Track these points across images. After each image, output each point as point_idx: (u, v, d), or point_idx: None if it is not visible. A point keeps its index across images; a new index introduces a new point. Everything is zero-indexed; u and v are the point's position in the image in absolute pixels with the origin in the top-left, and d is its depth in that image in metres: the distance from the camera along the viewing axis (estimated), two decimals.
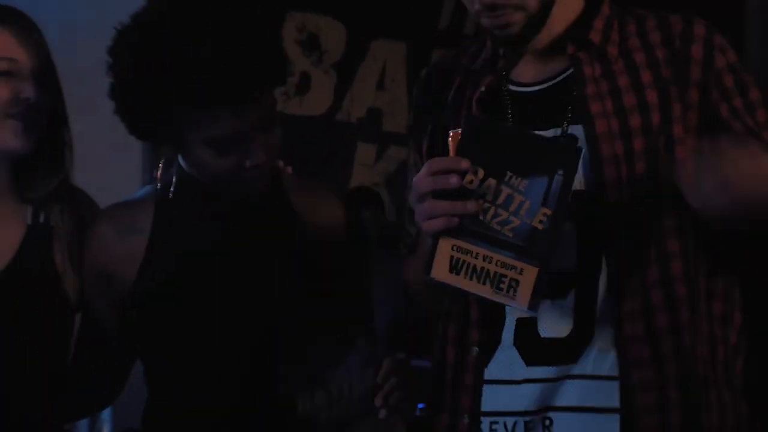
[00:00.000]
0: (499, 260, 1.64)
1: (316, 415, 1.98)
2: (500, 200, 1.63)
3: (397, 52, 4.02)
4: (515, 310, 1.72)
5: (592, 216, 1.70)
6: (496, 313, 1.77)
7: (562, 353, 1.73)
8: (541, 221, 1.61)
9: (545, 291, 1.65)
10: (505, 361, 1.77)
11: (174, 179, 2.08)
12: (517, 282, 1.63)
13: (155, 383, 2.16)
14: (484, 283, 1.65)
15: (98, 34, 3.81)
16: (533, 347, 1.74)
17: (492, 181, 1.63)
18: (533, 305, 1.64)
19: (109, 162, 3.82)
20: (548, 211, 1.61)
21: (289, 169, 2.21)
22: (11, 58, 2.00)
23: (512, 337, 1.76)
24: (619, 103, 1.75)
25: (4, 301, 2.02)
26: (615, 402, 1.70)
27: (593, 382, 1.71)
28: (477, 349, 1.79)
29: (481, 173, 1.63)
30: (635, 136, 1.73)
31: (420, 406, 2.11)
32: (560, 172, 1.61)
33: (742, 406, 1.77)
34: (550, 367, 1.73)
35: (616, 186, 1.71)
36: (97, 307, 2.14)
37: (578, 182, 1.70)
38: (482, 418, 1.78)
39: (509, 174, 1.63)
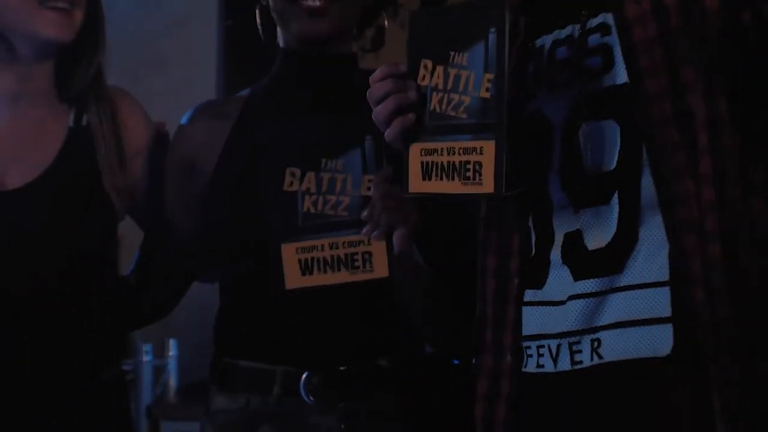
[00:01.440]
0: (460, 148, 1.56)
1: (300, 201, 1.87)
2: (450, 84, 1.56)
3: None
4: (563, 225, 1.61)
5: (636, 109, 1.54)
6: (545, 234, 1.64)
7: (607, 262, 1.57)
8: (487, 89, 1.53)
9: (569, 184, 1.56)
10: (557, 281, 1.63)
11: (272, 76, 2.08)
12: (480, 164, 1.54)
13: (231, 284, 2.07)
14: (453, 179, 1.56)
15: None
16: (581, 261, 1.60)
17: (440, 68, 1.57)
18: (498, 186, 1.53)
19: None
20: (490, 76, 1.52)
21: None
22: None
23: (560, 254, 1.62)
24: None
25: (46, 203, 1.97)
26: (666, 311, 1.52)
27: (641, 292, 1.55)
28: (517, 279, 1.68)
29: (429, 64, 1.58)
30: (673, 12, 1.53)
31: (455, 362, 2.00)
32: (492, 30, 1.52)
33: None
34: (596, 280, 1.57)
35: (654, 74, 1.53)
36: (173, 206, 2.08)
37: (618, 74, 1.57)
38: (530, 342, 1.65)
39: (452, 53, 1.56)
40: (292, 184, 1.87)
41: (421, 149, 1.59)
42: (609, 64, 1.57)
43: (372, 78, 1.65)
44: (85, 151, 2.01)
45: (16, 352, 1.96)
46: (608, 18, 1.58)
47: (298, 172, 1.88)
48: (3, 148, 1.99)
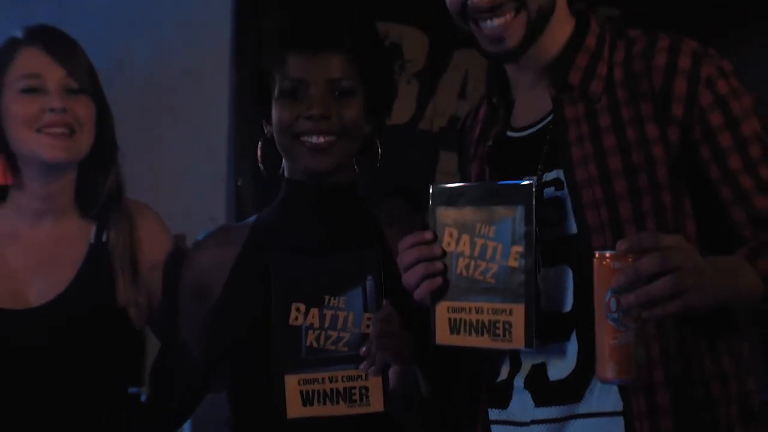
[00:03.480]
0: (489, 308, 1.71)
1: (304, 335, 1.98)
2: (477, 252, 1.71)
3: (478, 61, 4.01)
4: (529, 356, 1.77)
5: (583, 259, 1.69)
6: (515, 363, 1.81)
7: (568, 393, 1.74)
8: (515, 259, 1.69)
9: (537, 326, 1.70)
10: (519, 404, 1.79)
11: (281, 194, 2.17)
12: (510, 324, 1.70)
13: (237, 402, 2.14)
14: (482, 335, 1.73)
15: (182, 49, 3.93)
16: (542, 389, 1.77)
17: (466, 237, 1.72)
18: (529, 342, 1.69)
19: (194, 167, 3.91)
20: (519, 248, 1.68)
21: None
22: (35, 74, 2.06)
23: (523, 381, 1.79)
24: (599, 145, 1.73)
25: (64, 322, 2.05)
26: None
27: (599, 420, 1.71)
28: (483, 404, 1.85)
29: (455, 233, 1.73)
30: (615, 178, 1.71)
31: None
32: (519, 209, 1.69)
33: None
34: (557, 407, 1.75)
35: (599, 230, 1.70)
36: (186, 328, 2.16)
37: (570, 225, 1.74)
38: None
39: (478, 225, 1.71)
40: (297, 318, 1.98)
41: (449, 307, 1.75)
42: (562, 216, 1.74)
43: (401, 245, 1.76)
44: (104, 266, 2.10)
45: None
46: (561, 174, 1.75)
47: (303, 307, 1.98)
48: (26, 263, 2.09)
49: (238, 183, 4.08)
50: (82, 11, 3.89)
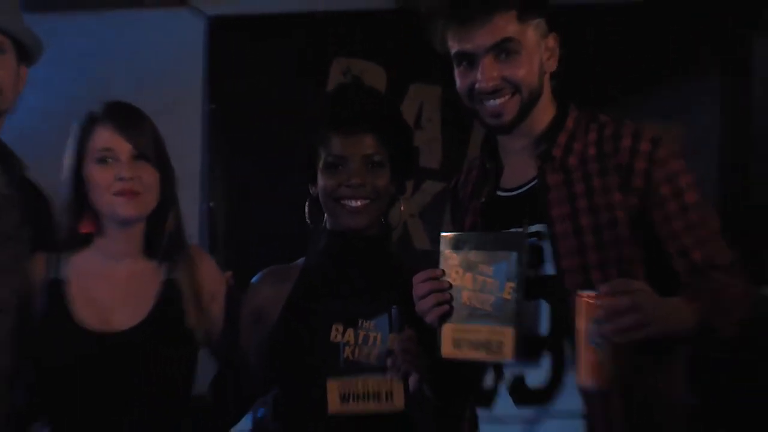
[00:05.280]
0: (486, 330, 2.11)
1: (342, 350, 2.43)
2: (478, 286, 2.10)
3: (432, 94, 4.28)
4: (512, 367, 2.18)
5: (559, 295, 2.12)
6: (499, 373, 2.22)
7: (543, 397, 2.16)
8: (508, 292, 2.08)
9: (524, 345, 2.10)
10: (502, 405, 2.21)
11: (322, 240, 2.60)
12: (502, 342, 2.09)
13: (286, 401, 2.55)
14: (479, 350, 2.12)
15: (160, 84, 4.11)
16: (522, 394, 2.19)
17: (469, 275, 2.11)
18: (517, 357, 2.09)
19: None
20: (512, 284, 2.08)
21: None
22: (108, 148, 2.44)
23: (508, 387, 2.21)
24: (574, 206, 2.14)
25: (145, 342, 2.43)
26: None
27: (567, 420, 2.13)
28: (474, 405, 2.28)
29: (460, 271, 2.12)
30: (586, 233, 2.12)
31: None
32: (514, 254, 2.08)
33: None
34: (533, 409, 2.16)
35: (572, 273, 2.12)
36: (245, 344, 2.59)
37: (548, 268, 2.14)
38: None
39: (480, 265, 2.10)
40: (336, 336, 2.45)
41: (453, 328, 2.14)
42: (542, 260, 2.17)
43: (415, 279, 2.16)
44: (175, 299, 2.50)
45: None
46: (543, 228, 2.17)
47: (341, 328, 2.45)
48: (112, 294, 2.48)
49: (210, 205, 4.35)
50: (71, 47, 4.17)
